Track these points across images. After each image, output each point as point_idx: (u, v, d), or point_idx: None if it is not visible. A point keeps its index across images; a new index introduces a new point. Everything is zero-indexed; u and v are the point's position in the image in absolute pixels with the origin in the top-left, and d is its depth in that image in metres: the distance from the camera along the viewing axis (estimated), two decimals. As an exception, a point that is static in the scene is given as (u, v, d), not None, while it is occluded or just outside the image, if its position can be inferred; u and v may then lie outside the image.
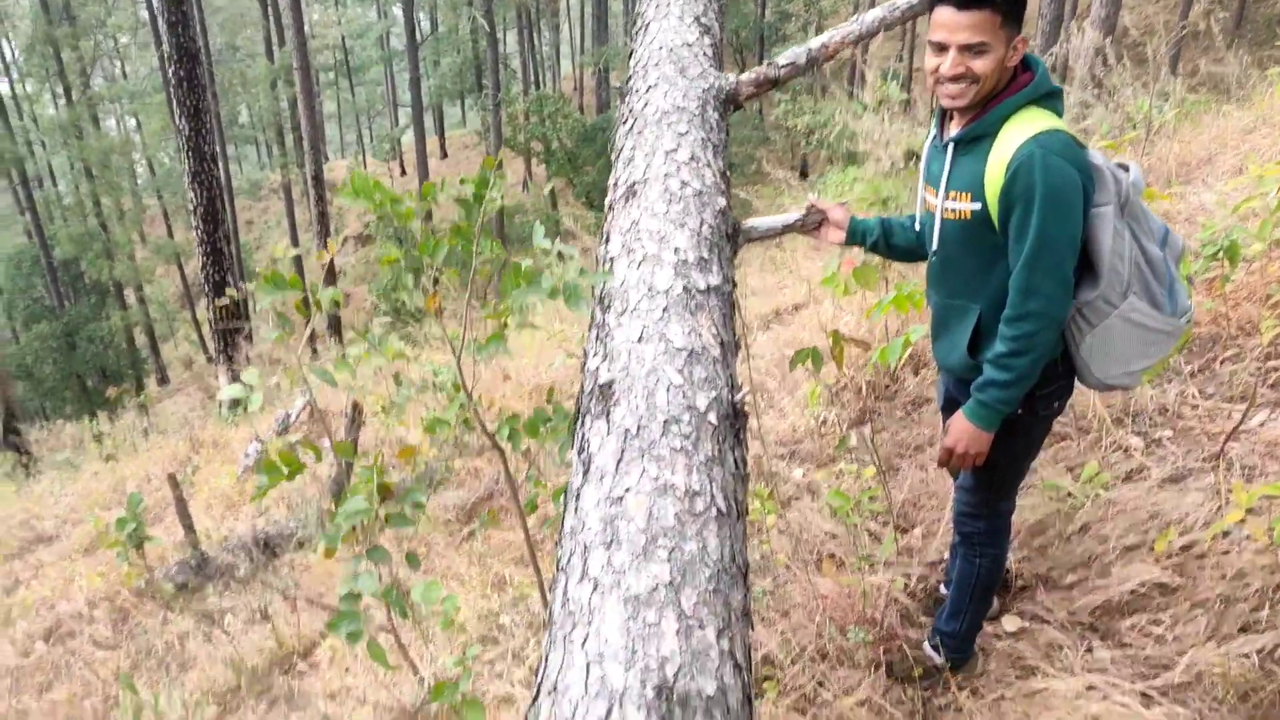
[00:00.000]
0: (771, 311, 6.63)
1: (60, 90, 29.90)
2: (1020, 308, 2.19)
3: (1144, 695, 2.44)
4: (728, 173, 2.83)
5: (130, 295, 31.30)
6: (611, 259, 2.40)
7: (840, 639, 2.91)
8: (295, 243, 30.49)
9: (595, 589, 1.65)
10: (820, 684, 2.81)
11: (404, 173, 40.90)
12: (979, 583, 2.67)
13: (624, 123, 2.96)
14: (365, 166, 42.57)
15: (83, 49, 29.52)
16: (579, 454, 1.98)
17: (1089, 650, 2.68)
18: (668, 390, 1.98)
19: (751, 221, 2.72)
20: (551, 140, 31.43)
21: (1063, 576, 2.97)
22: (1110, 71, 6.90)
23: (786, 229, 2.74)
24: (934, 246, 2.42)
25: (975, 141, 2.25)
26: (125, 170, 32.29)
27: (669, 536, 1.71)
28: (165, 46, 12.94)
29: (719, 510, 1.81)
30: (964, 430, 2.35)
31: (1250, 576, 2.59)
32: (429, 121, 39.93)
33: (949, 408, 2.63)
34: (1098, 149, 2.63)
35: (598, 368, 2.12)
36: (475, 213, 2.30)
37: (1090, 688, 2.49)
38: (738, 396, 2.06)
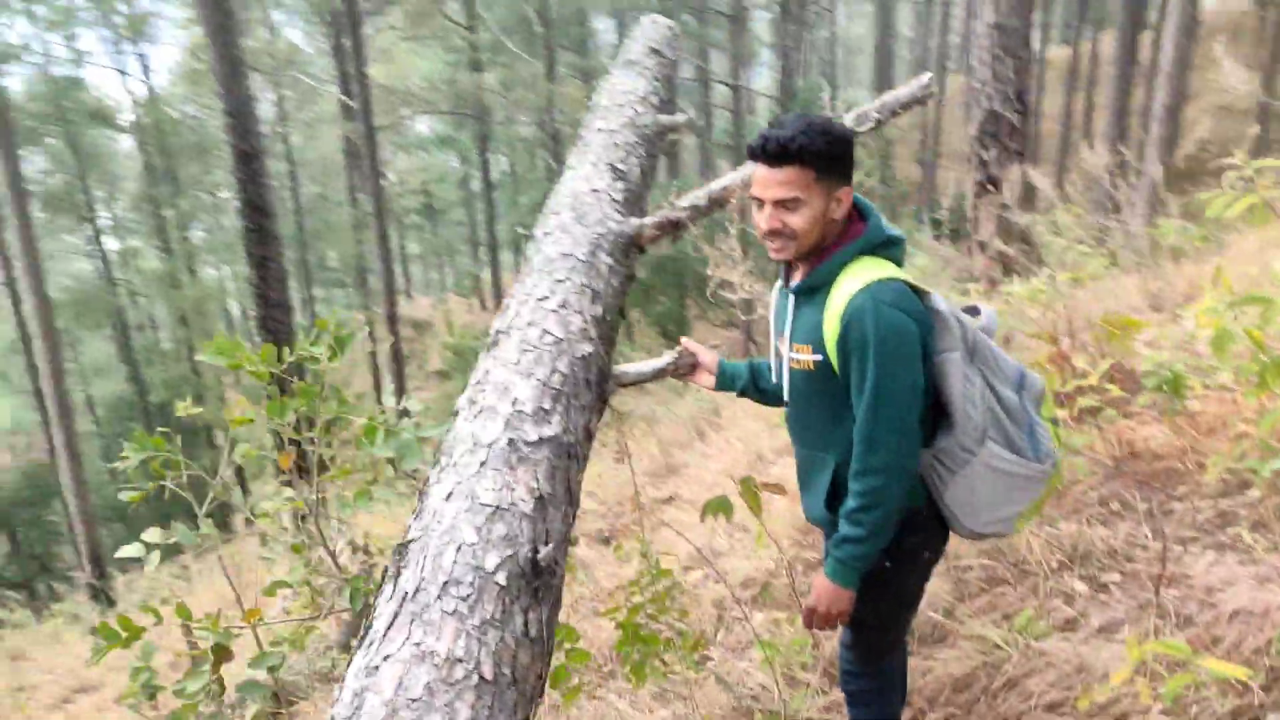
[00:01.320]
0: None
1: (160, 243, 31.65)
2: (864, 461, 2.12)
3: None
4: (610, 318, 2.82)
5: (220, 437, 32.33)
6: (457, 412, 2.38)
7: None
8: (376, 380, 31.19)
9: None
10: None
11: (484, 307, 41.96)
12: None
13: (518, 273, 2.99)
14: (448, 302, 43.80)
15: (181, 206, 31.30)
16: (365, 621, 1.93)
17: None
18: (458, 550, 1.93)
19: (622, 368, 2.70)
20: (626, 271, 32.00)
21: (982, 738, 2.77)
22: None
23: (658, 374, 2.70)
24: (786, 397, 2.37)
25: (813, 292, 2.22)
26: (219, 315, 33.81)
27: (411, 709, 1.64)
28: (238, 202, 13.72)
29: (481, 678, 1.73)
30: (823, 589, 2.24)
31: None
32: (509, 257, 41.09)
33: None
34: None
35: (409, 526, 2.08)
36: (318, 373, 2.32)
37: None
38: (543, 552, 2.00)
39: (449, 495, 2.07)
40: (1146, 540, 3.16)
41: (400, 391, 23.42)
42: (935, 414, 2.20)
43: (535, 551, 2.00)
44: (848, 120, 3.05)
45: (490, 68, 32.63)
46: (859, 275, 2.12)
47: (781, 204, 2.14)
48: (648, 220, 3.17)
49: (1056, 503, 3.55)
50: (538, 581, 1.98)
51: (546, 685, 2.03)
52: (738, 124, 36.95)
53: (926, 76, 3.07)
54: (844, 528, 2.17)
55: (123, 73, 30.09)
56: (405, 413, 2.32)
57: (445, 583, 1.87)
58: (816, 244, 2.19)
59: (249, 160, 13.15)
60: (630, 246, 3.13)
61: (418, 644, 1.76)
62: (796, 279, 2.29)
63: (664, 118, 3.92)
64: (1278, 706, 2.31)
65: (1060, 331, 4.17)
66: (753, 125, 37.87)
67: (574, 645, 3.01)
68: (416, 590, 1.86)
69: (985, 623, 3.08)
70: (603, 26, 39.90)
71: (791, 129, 2.08)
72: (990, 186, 10.30)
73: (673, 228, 3.18)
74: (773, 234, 2.18)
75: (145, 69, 30.02)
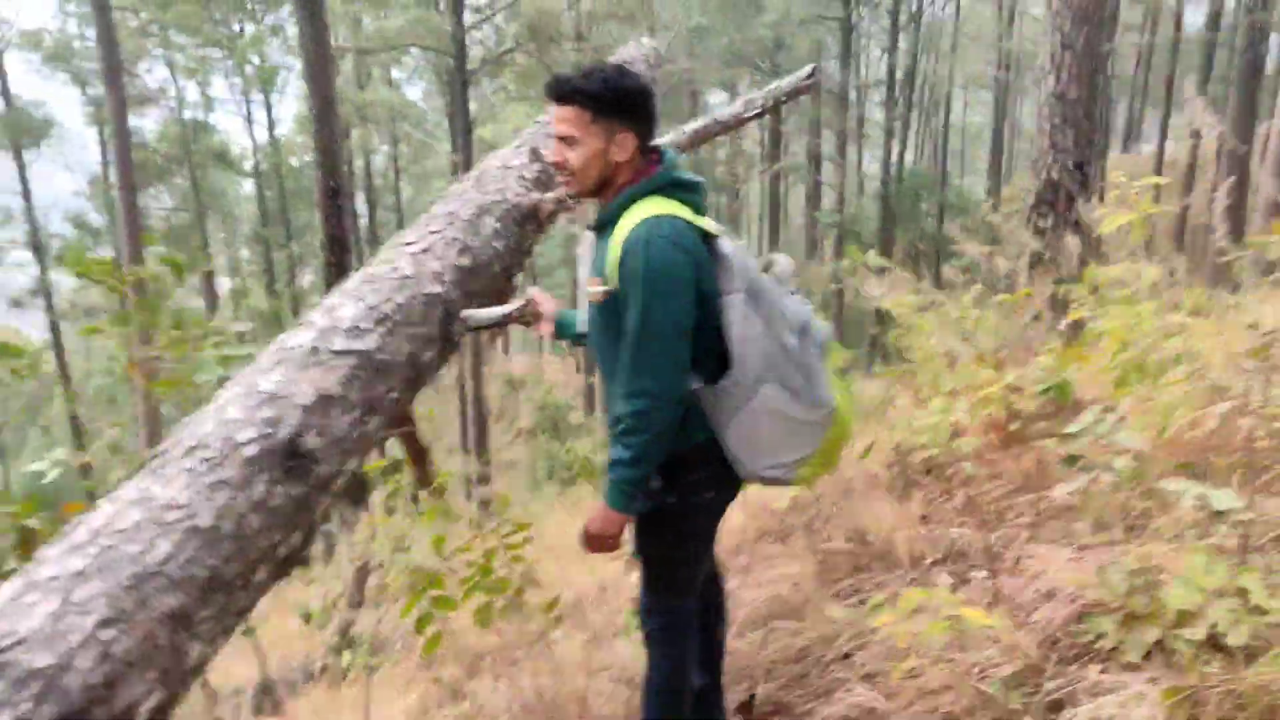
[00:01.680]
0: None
1: (268, 283, 33.04)
2: (629, 386, 2.19)
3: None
4: (487, 276, 2.97)
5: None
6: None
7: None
8: (464, 433, 31.77)
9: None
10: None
11: (578, 369, 42.43)
12: (654, 686, 2.51)
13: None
14: (542, 360, 44.46)
15: (292, 249, 32.73)
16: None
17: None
18: (218, 423, 2.07)
19: (470, 311, 2.81)
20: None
21: (801, 703, 2.76)
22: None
23: (505, 319, 2.81)
24: (586, 329, 2.46)
25: (605, 228, 2.32)
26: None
27: (112, 536, 1.78)
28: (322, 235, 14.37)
29: (195, 526, 1.86)
30: (597, 510, 2.30)
31: (940, 696, 2.37)
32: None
33: None
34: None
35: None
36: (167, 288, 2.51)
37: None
38: (309, 439, 2.13)
39: (234, 385, 2.22)
40: (1021, 542, 3.12)
41: (481, 448, 23.82)
42: (719, 354, 2.26)
43: (297, 436, 2.12)
44: (734, 107, 3.16)
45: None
46: (641, 212, 2.22)
47: (563, 140, 2.27)
48: (547, 195, 3.32)
49: (960, 509, 3.52)
50: (293, 462, 2.09)
51: (294, 563, 2.15)
52: (842, 203, 37.06)
53: (810, 68, 3.16)
54: (612, 450, 2.23)
55: (249, 120, 31.84)
56: (240, 336, 2.48)
57: (193, 447, 2.01)
58: (599, 181, 2.30)
59: (334, 195, 13.77)
60: (527, 218, 3.28)
61: (143, 490, 1.91)
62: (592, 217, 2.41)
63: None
64: (1058, 674, 2.27)
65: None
66: (860, 206, 37.95)
67: (441, 592, 3.11)
68: (165, 452, 2.01)
69: (839, 605, 3.07)
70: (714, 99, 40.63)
71: (577, 73, 2.24)
72: (1046, 255, 10.17)
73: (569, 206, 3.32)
74: (558, 167, 2.32)
75: (270, 117, 31.75)
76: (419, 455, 2.92)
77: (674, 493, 2.33)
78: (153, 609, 1.74)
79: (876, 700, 2.53)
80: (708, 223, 2.28)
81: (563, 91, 2.22)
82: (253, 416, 2.10)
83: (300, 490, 2.11)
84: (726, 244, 2.25)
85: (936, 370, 4.21)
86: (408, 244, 2.85)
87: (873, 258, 5.82)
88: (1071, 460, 2.47)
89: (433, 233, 2.92)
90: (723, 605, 2.77)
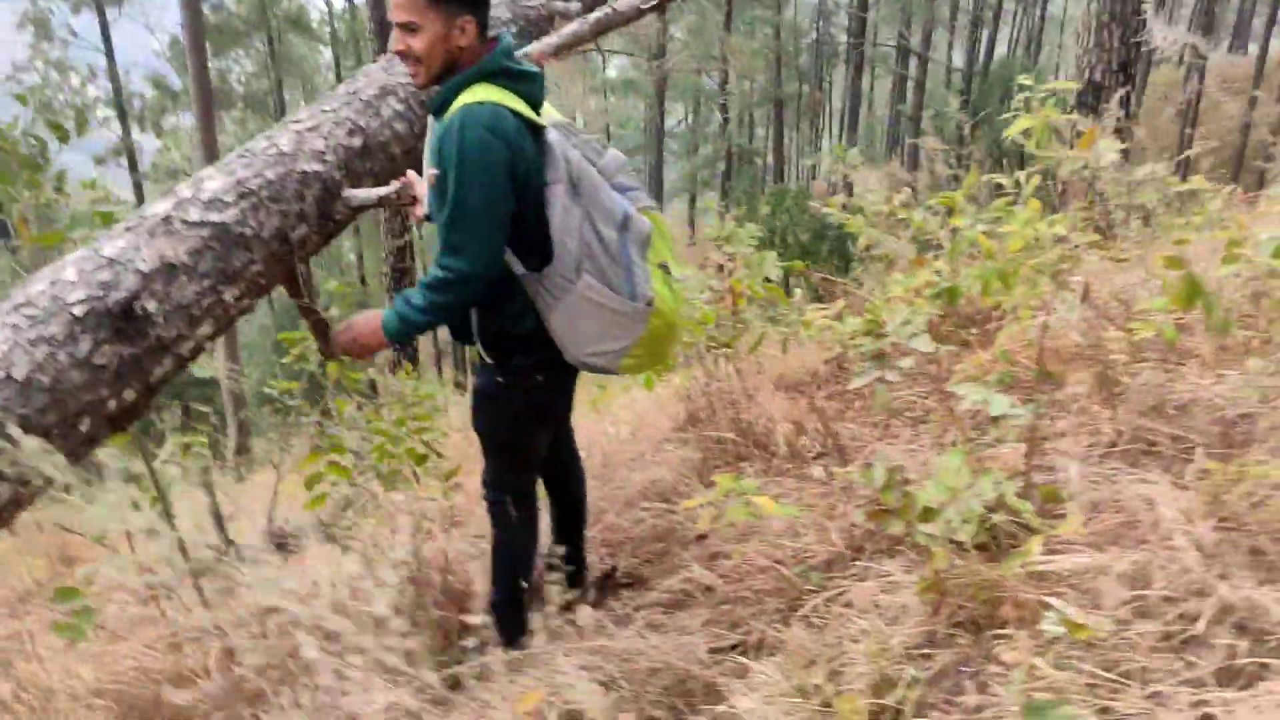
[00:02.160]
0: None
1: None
2: (441, 260, 2.29)
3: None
4: (383, 155, 3.06)
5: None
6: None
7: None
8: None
9: None
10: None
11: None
12: (499, 554, 2.69)
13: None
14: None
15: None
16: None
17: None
18: (50, 284, 2.24)
19: (350, 191, 2.92)
20: (788, 234, 31.83)
21: (654, 579, 2.92)
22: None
23: (383, 201, 2.91)
24: (427, 212, 2.56)
25: (439, 113, 2.39)
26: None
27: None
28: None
29: (9, 375, 2.05)
30: (367, 321, 2.45)
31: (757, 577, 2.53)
32: (681, 208, 41.39)
33: None
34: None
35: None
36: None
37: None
38: (147, 304, 2.29)
39: (83, 253, 2.38)
40: (898, 436, 3.22)
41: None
42: (545, 243, 2.34)
43: (132, 300, 2.28)
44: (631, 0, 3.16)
45: (679, 14, 32.80)
46: (466, 97, 2.29)
47: (404, 27, 2.32)
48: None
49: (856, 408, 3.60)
50: (126, 324, 2.26)
51: (129, 418, 2.33)
52: (922, 97, 35.94)
53: None
54: (415, 293, 2.34)
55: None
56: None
57: (20, 304, 2.18)
58: (444, 67, 2.36)
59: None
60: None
61: (8, 363, 2.08)
62: None
63: (558, 5, 4.07)
64: (875, 558, 2.39)
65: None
66: (944, 99, 36.69)
67: (339, 458, 3.31)
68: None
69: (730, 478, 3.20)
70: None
71: None
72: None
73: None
74: (401, 56, 2.37)
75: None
76: (319, 328, 3.07)
77: (504, 374, 2.46)
78: None
79: (708, 577, 2.68)
80: (535, 113, 2.35)
81: None
82: (88, 278, 2.26)
83: (132, 350, 2.28)
84: (552, 134, 2.32)
85: (879, 274, 4.24)
86: (296, 121, 2.95)
87: (853, 155, 5.76)
88: (879, 359, 2.53)
89: (325, 111, 3.01)
90: (578, 481, 2.92)
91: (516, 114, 2.29)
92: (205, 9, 27.52)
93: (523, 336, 2.42)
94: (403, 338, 2.40)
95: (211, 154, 21.14)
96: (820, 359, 4.09)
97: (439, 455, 3.44)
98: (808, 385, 3.93)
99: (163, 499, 2.95)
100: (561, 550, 2.91)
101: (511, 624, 2.72)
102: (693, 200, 44.84)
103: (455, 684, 2.68)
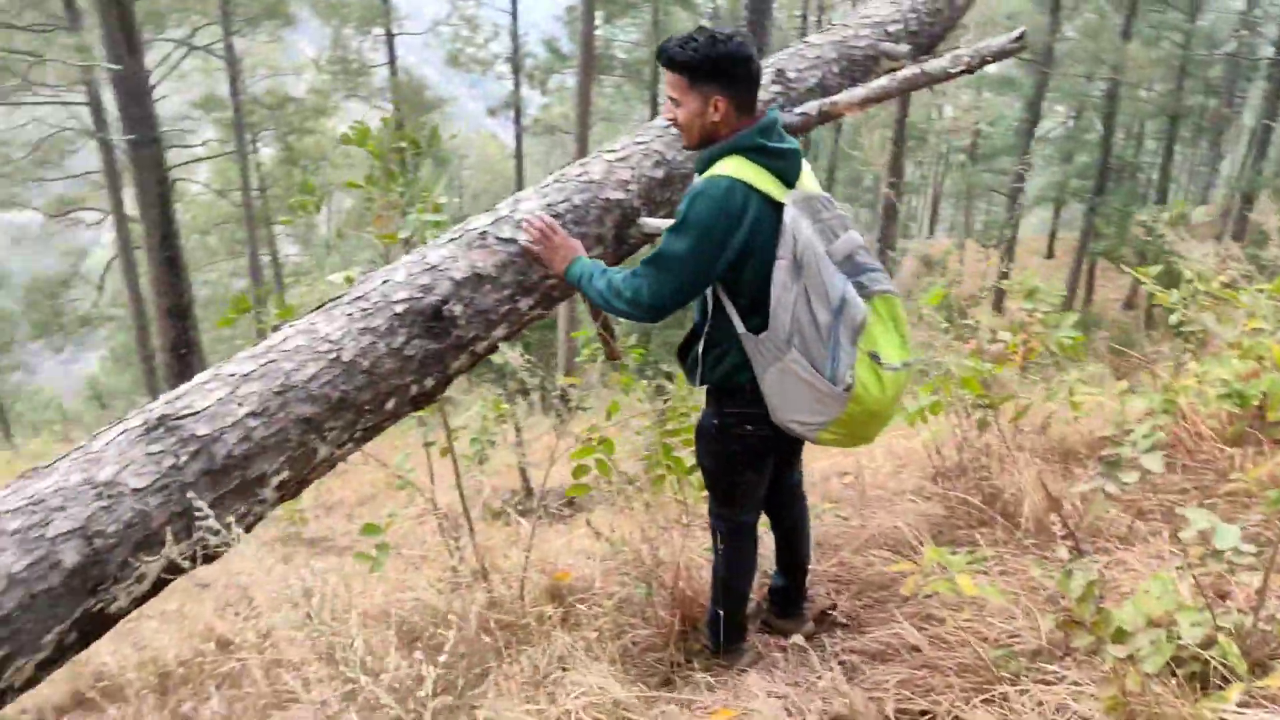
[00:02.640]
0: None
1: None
2: (632, 279, 2.54)
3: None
4: (670, 183, 3.35)
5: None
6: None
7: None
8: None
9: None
10: (622, 632, 3.22)
11: (1005, 258, 40.63)
12: (717, 578, 2.91)
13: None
14: (964, 248, 43.06)
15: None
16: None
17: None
18: (382, 282, 2.71)
19: (645, 219, 3.21)
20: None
21: (869, 624, 3.03)
22: None
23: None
24: None
25: (700, 174, 2.60)
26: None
27: (276, 352, 2.49)
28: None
29: (339, 358, 2.53)
30: (567, 247, 2.80)
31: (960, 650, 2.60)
32: (1044, 216, 39.23)
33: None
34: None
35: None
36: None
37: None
38: (454, 307, 2.71)
39: (413, 256, 2.84)
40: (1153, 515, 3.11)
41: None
42: (764, 309, 2.51)
43: (443, 303, 2.71)
44: (942, 61, 3.20)
45: (1071, 14, 30.99)
46: (717, 169, 2.50)
47: (671, 99, 2.58)
48: (787, 118, 3.57)
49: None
50: (435, 323, 2.70)
51: (426, 401, 2.78)
52: None
53: (1019, 30, 3.10)
54: (612, 273, 2.62)
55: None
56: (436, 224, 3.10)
57: (357, 297, 2.67)
58: (701, 138, 2.59)
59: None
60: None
61: (312, 323, 2.60)
62: None
63: (886, 45, 4.17)
64: (1081, 660, 2.41)
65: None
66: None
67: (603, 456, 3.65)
68: (339, 297, 2.68)
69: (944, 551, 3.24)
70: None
71: (676, 41, 2.51)
72: None
73: (823, 120, 3.53)
74: (670, 122, 2.63)
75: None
76: (605, 332, 3.42)
77: (719, 417, 2.70)
78: (288, 412, 2.43)
79: (916, 637, 2.77)
80: (789, 185, 2.52)
81: (664, 59, 2.54)
82: (412, 281, 2.72)
83: (436, 346, 2.72)
84: (790, 211, 2.47)
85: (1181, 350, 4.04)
86: (610, 151, 3.29)
87: (1200, 212, 5.38)
88: (1111, 465, 2.48)
89: (637, 142, 3.34)
90: (798, 521, 3.09)
91: (755, 189, 2.47)
92: (603, -22, 29.43)
93: (739, 388, 2.63)
94: (571, 283, 2.75)
95: (585, 114, 22.77)
96: (1098, 431, 3.95)
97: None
98: (1083, 457, 3.83)
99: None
100: (778, 584, 3.13)
101: (727, 634, 2.96)
102: (1057, 210, 42.34)
103: (665, 682, 2.97)
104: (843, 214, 2.57)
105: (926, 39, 4.62)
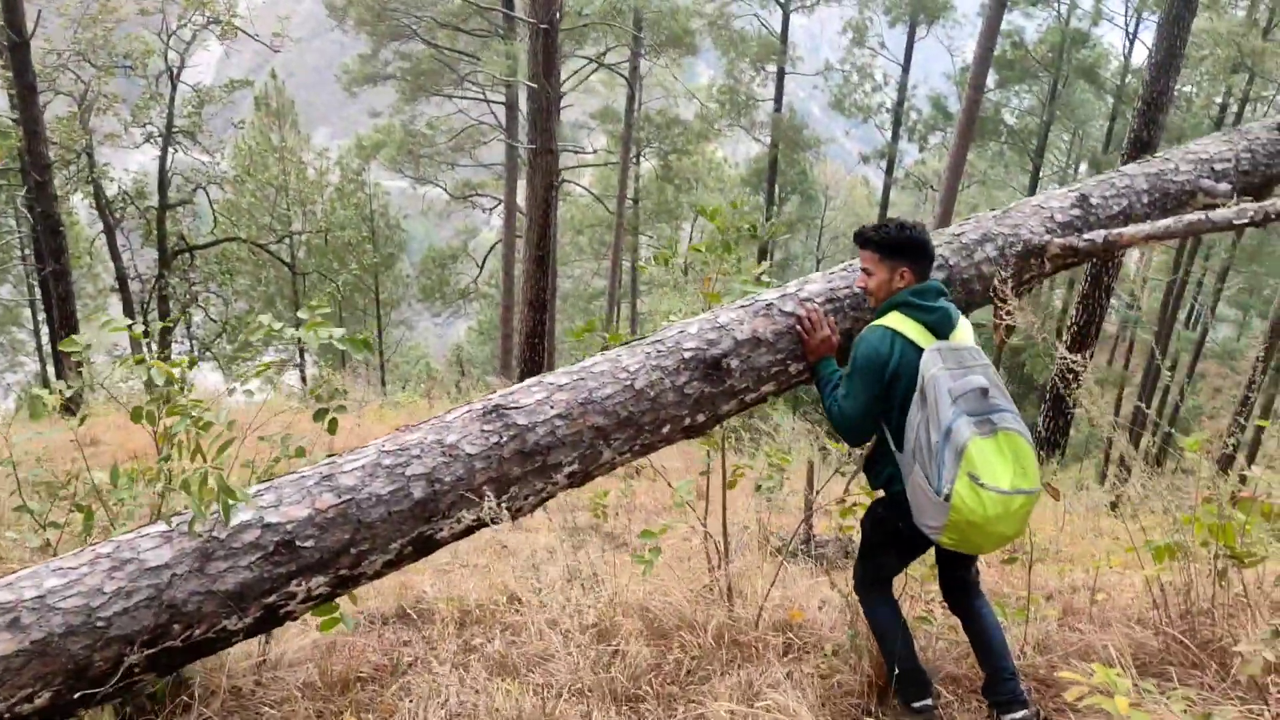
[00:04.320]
0: None
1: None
2: (835, 402, 3.23)
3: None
4: (949, 284, 3.77)
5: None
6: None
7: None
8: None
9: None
10: (830, 674, 3.66)
11: None
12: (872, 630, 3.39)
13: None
14: None
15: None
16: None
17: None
18: (679, 333, 3.38)
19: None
20: None
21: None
22: None
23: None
24: None
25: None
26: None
27: (590, 381, 3.22)
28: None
29: (632, 385, 3.22)
30: (826, 346, 3.46)
31: None
32: None
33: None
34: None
35: (682, 324, 3.55)
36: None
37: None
38: (729, 361, 3.33)
39: (708, 315, 3.49)
40: None
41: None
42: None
43: (723, 357, 3.33)
44: (1228, 211, 3.37)
45: None
46: (880, 319, 3.19)
47: (865, 270, 3.31)
48: (1057, 240, 3.89)
49: None
50: (713, 372, 3.33)
51: (697, 433, 3.40)
52: None
53: None
54: (834, 386, 3.30)
55: (1130, 37, 31.06)
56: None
57: (657, 340, 3.36)
58: (884, 300, 3.27)
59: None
60: (1032, 254, 3.91)
61: (618, 355, 3.32)
62: None
63: (1206, 183, 4.32)
64: None
65: None
66: None
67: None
68: (642, 338, 3.38)
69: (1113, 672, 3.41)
70: None
71: (871, 227, 3.29)
72: None
73: (1072, 256, 3.85)
74: (862, 288, 3.36)
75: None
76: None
77: (879, 507, 3.29)
78: (585, 419, 3.15)
79: None
80: (938, 336, 3.13)
81: (860, 239, 3.31)
82: (703, 335, 3.37)
83: (711, 390, 3.34)
84: (926, 356, 3.08)
85: None
86: (958, 231, 3.79)
87: None
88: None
89: (955, 233, 3.82)
90: (982, 624, 3.39)
91: (902, 335, 3.11)
92: (1004, 45, 28.90)
93: (893, 494, 3.20)
94: (815, 376, 3.45)
95: (957, 177, 22.63)
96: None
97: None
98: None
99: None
100: (984, 670, 3.41)
101: (903, 690, 3.34)
102: None
103: None
104: (985, 363, 3.12)
105: (1260, 180, 4.65)
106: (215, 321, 27.06)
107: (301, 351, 26.44)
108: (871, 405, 3.14)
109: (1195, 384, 30.90)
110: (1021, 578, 4.92)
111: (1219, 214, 3.43)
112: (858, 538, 3.53)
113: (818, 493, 5.62)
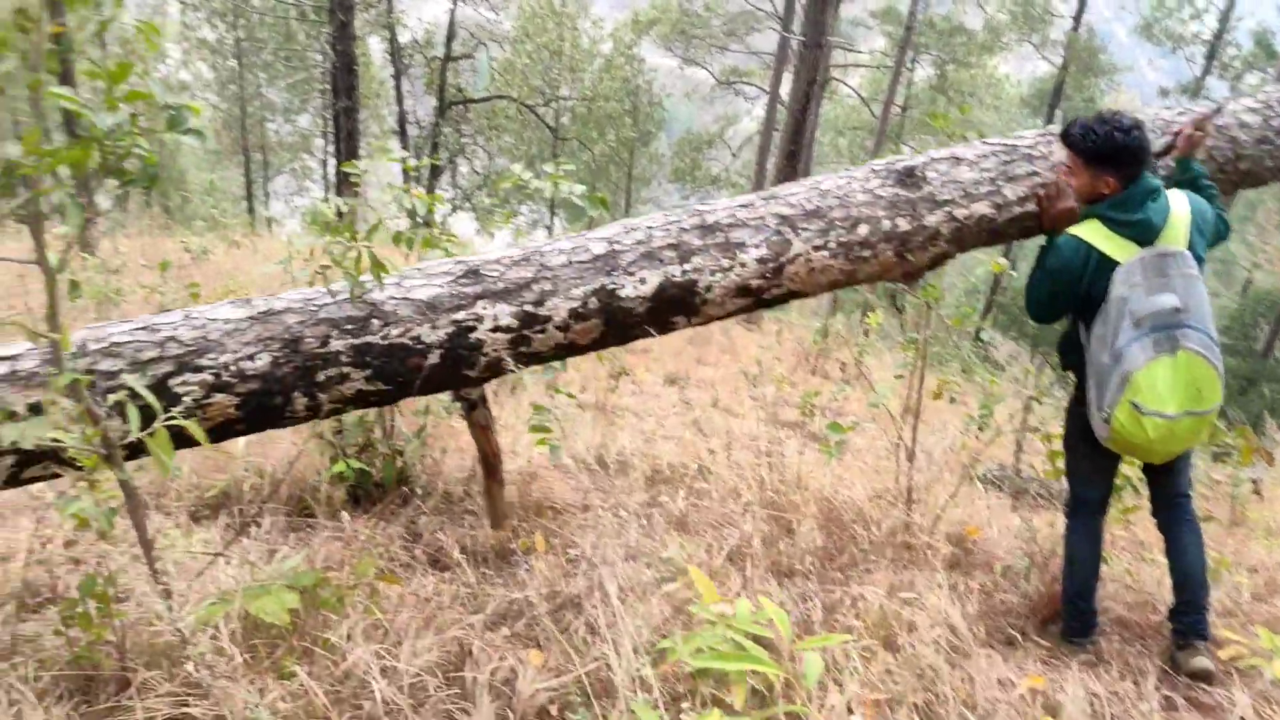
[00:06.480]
0: None
1: None
2: (1030, 282, 3.22)
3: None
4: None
5: None
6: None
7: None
8: None
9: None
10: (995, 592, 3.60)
11: None
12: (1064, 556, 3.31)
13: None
14: None
15: None
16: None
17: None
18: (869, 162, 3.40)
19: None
20: None
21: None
22: None
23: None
24: None
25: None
26: None
27: (818, 199, 3.33)
28: None
29: (818, 186, 3.33)
30: (1061, 211, 3.21)
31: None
32: None
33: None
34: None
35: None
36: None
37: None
38: (923, 169, 3.35)
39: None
40: None
41: None
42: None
43: (915, 167, 3.39)
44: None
45: None
46: (1076, 228, 3.06)
47: (1065, 167, 3.16)
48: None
49: None
50: (908, 178, 3.42)
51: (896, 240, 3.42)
52: None
53: None
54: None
55: None
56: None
57: (849, 169, 3.42)
58: (1089, 199, 3.11)
59: None
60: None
61: (817, 181, 3.44)
62: None
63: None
64: None
65: None
66: None
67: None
68: (870, 164, 3.49)
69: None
70: None
71: (1079, 129, 3.04)
72: None
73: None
74: (1063, 176, 3.20)
75: None
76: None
77: (1075, 398, 3.27)
78: (770, 209, 3.33)
79: (1245, 710, 2.79)
80: (1122, 250, 2.97)
81: (1066, 140, 3.12)
82: (892, 164, 3.48)
83: (906, 194, 3.40)
84: (1120, 271, 2.95)
85: None
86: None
87: None
88: None
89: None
90: (1182, 551, 3.21)
91: (1098, 251, 2.98)
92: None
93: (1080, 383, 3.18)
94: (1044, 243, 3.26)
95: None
96: None
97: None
98: None
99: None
100: (1174, 600, 3.23)
101: (1069, 621, 3.27)
102: None
103: (1008, 642, 3.25)
104: (1190, 272, 2.93)
105: None
106: (478, 174, 28.54)
107: (552, 211, 27.55)
108: (1060, 307, 3.15)
109: None
110: (1224, 541, 4.67)
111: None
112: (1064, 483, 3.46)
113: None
